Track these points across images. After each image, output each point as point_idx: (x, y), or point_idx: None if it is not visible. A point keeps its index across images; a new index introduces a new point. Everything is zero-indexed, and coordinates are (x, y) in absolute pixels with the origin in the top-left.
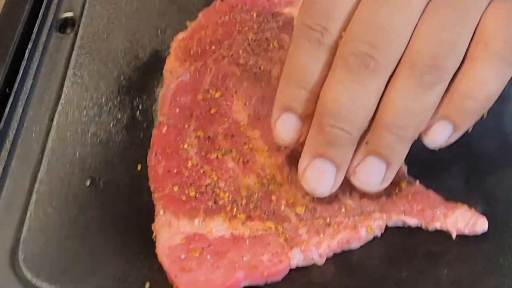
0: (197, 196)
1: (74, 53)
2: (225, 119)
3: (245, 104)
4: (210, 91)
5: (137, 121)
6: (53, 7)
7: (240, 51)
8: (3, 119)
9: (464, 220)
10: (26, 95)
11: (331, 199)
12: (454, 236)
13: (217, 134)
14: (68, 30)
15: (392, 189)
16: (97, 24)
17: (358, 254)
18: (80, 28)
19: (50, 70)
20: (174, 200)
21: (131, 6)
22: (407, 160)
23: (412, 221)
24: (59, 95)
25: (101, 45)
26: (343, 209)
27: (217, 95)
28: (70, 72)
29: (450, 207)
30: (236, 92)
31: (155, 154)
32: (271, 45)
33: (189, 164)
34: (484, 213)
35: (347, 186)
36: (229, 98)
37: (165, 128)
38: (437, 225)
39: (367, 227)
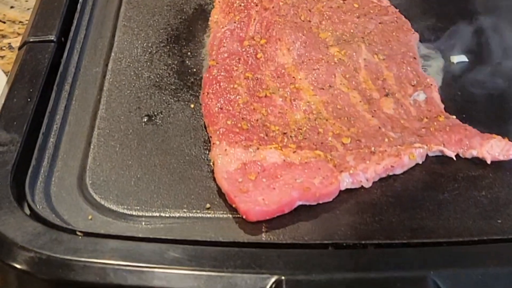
0: (249, 128)
1: (123, 6)
2: (271, 63)
3: (288, 49)
4: (255, 38)
5: (187, 66)
6: None
7: (281, 3)
8: (62, 63)
9: (499, 147)
10: (81, 44)
11: (375, 132)
12: (489, 161)
13: (264, 75)
14: None
15: (431, 123)
16: None
17: (402, 179)
18: None
19: (101, 22)
20: (228, 132)
21: None
22: (444, 101)
23: (451, 150)
24: (111, 43)
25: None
26: (386, 140)
27: (262, 42)
28: (120, 23)
29: (485, 137)
30: (279, 39)
31: (207, 94)
32: None
33: (240, 101)
34: None
35: (388, 120)
36: (274, 44)
37: (215, 71)
38: (474, 152)
39: (409, 154)
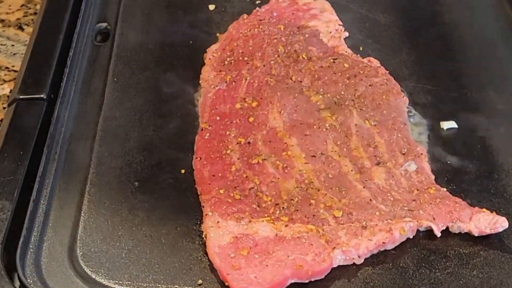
0: (241, 198)
1: (112, 61)
2: (263, 126)
3: (280, 112)
4: (247, 100)
5: (177, 127)
6: (88, 18)
7: (272, 62)
8: (52, 122)
9: (486, 221)
10: (70, 101)
11: (366, 204)
12: (476, 234)
13: (256, 140)
14: (104, 40)
15: (422, 195)
16: (132, 34)
17: (393, 255)
18: (116, 37)
19: (91, 77)
20: (221, 203)
21: (163, 17)
22: (434, 171)
23: (440, 224)
24: (101, 101)
25: (137, 54)
26: (377, 213)
27: (254, 104)
28: (110, 79)
29: (474, 210)
30: (271, 101)
31: (200, 158)
32: (300, 57)
33: (233, 168)
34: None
35: (379, 192)
36: (265, 107)
37: (207, 135)
38: (463, 226)
39: (400, 229)
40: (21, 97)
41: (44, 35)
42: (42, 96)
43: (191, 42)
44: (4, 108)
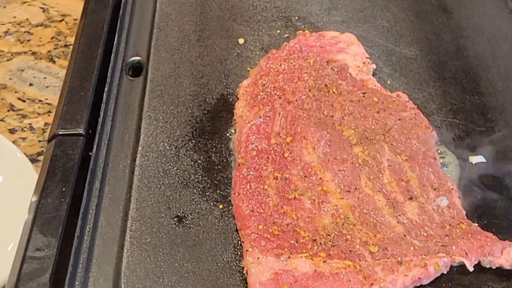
0: (280, 234)
1: (146, 96)
2: (298, 162)
3: (314, 148)
4: (281, 134)
5: (213, 162)
6: (122, 52)
7: (303, 97)
8: (92, 157)
9: None
10: (108, 136)
11: (400, 240)
12: (508, 267)
13: (292, 175)
14: (138, 74)
15: (454, 230)
16: (164, 68)
17: None
18: (149, 72)
19: (126, 112)
20: (260, 238)
21: (194, 51)
22: (465, 205)
23: (473, 259)
24: (138, 136)
25: (170, 89)
26: (411, 248)
27: (288, 139)
28: (145, 114)
29: (505, 244)
30: (305, 137)
31: (238, 194)
32: (331, 91)
33: (271, 204)
34: None
35: (412, 227)
36: (299, 142)
37: (244, 170)
38: (494, 260)
39: (435, 265)
40: (60, 133)
41: (79, 70)
42: (80, 131)
43: (223, 76)
44: (39, 141)
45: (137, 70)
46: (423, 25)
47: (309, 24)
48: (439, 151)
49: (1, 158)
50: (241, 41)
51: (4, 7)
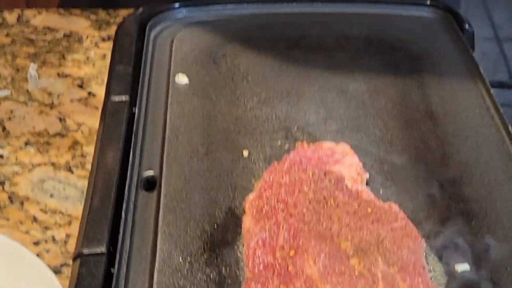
0: None
1: (161, 211)
2: (300, 274)
3: (314, 261)
4: (285, 248)
5: (224, 277)
6: (136, 167)
7: (304, 210)
8: (114, 276)
9: None
10: (127, 253)
11: None
12: None
13: None
14: (152, 188)
15: None
16: (176, 182)
17: None
18: (162, 186)
19: (143, 227)
20: None
21: (203, 165)
22: None
23: None
24: (154, 251)
25: (182, 203)
26: None
27: (291, 253)
28: (160, 229)
29: None
30: (306, 250)
31: None
32: (329, 203)
33: None
34: None
35: None
36: (302, 255)
37: (253, 284)
38: None
39: None
40: (84, 252)
41: (99, 189)
42: (103, 251)
43: (230, 189)
44: (61, 252)
45: (152, 183)
46: (412, 132)
47: (307, 134)
48: (427, 260)
49: (27, 272)
50: (245, 153)
51: (23, 117)
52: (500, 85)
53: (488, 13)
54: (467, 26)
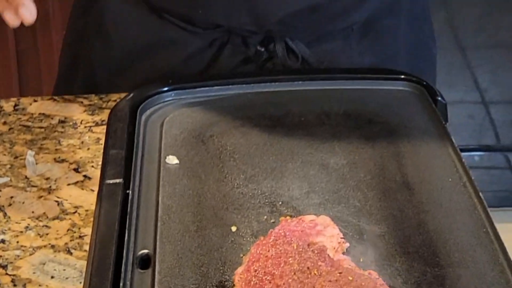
0: None
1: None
2: None
3: None
4: None
5: None
6: (131, 246)
7: (290, 280)
8: None
9: None
10: None
11: None
12: None
13: None
14: (146, 266)
15: None
16: (169, 260)
17: None
18: (156, 264)
19: None
20: None
21: (194, 242)
22: None
23: None
24: None
25: (176, 279)
26: None
27: None
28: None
29: None
30: None
31: None
32: (312, 273)
33: None
34: None
35: None
36: None
37: None
38: None
39: None
40: None
41: (96, 270)
42: None
43: (219, 263)
44: None
45: (146, 262)
46: (389, 202)
47: (292, 208)
48: None
49: None
50: (233, 228)
51: (23, 202)
52: (487, 148)
53: (474, 77)
54: (439, 98)
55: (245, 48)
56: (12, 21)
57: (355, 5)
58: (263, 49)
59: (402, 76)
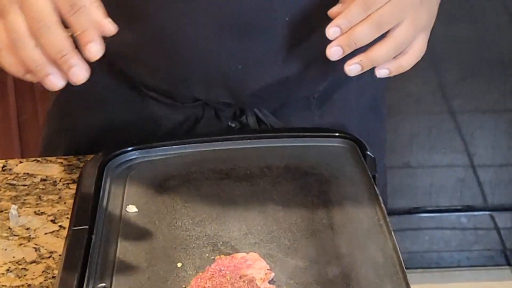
0: None
1: None
2: None
3: None
4: None
5: None
6: (91, 279)
7: None
8: None
9: None
10: None
11: None
12: None
13: None
14: None
15: None
16: None
17: None
18: None
19: None
20: None
21: (144, 275)
22: None
23: None
24: None
25: None
26: None
27: None
28: None
29: None
30: None
31: None
32: None
33: None
34: None
35: None
36: None
37: None
38: None
39: None
40: None
41: None
42: None
43: None
44: None
45: None
46: (314, 240)
47: (230, 247)
48: None
49: None
50: (179, 264)
51: (6, 249)
52: (473, 209)
53: (464, 142)
54: (368, 152)
55: (217, 122)
56: (57, 81)
57: (321, 76)
58: (233, 125)
59: (337, 134)
